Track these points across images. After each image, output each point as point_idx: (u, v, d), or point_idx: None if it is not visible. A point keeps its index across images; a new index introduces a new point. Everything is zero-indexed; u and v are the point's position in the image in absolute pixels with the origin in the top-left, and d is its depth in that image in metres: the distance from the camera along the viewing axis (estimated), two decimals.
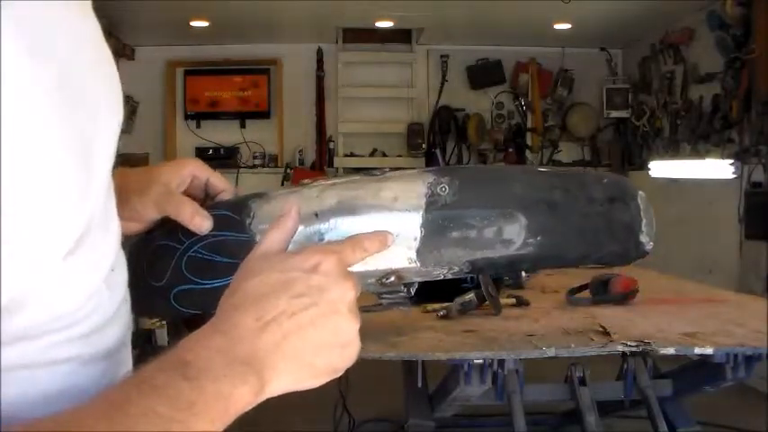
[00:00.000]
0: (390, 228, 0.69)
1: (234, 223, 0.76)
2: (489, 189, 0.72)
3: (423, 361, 2.00)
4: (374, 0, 5.22)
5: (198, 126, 6.43)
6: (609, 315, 2.10)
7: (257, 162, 6.42)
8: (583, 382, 2.11)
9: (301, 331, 0.56)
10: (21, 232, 0.44)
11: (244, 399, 0.53)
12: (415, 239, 0.69)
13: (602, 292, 2.30)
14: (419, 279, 0.72)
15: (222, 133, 6.40)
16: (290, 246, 0.65)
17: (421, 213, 0.69)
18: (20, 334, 0.49)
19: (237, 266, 0.70)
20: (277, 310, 0.56)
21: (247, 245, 0.72)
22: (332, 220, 0.71)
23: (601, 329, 1.91)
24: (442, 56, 6.45)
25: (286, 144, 6.45)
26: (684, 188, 5.34)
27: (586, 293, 2.34)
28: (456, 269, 0.71)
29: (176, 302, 0.78)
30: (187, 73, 6.40)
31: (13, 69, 0.43)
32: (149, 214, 0.77)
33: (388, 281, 0.70)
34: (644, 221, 0.74)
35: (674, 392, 2.41)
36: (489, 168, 0.78)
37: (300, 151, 6.41)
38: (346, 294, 0.59)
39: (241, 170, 6.35)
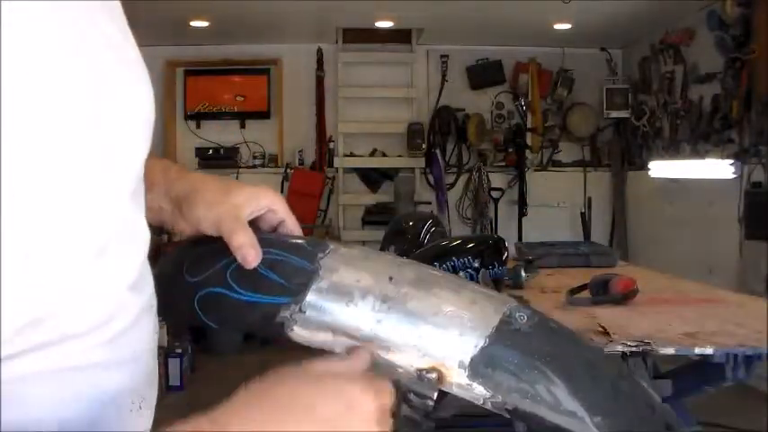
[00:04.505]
0: (457, 324, 0.65)
1: (303, 251, 0.71)
2: (564, 343, 0.69)
3: None
4: (374, 0, 5.22)
5: (198, 126, 6.43)
6: (609, 315, 2.10)
7: (257, 162, 6.42)
8: None
9: None
10: (47, 242, 0.44)
11: None
12: (475, 347, 0.64)
13: (602, 293, 2.30)
14: (458, 392, 0.66)
15: (222, 133, 6.41)
16: (351, 304, 0.63)
17: (493, 326, 0.65)
18: (47, 340, 0.49)
19: (286, 289, 0.66)
20: None
21: (307, 274, 0.68)
22: (404, 289, 0.67)
23: (601, 329, 1.90)
24: (441, 56, 6.45)
25: (286, 144, 6.45)
26: (684, 188, 5.34)
27: (586, 293, 2.34)
28: (499, 399, 0.65)
29: (199, 305, 0.73)
30: (187, 73, 6.40)
31: (38, 67, 0.42)
32: (207, 229, 0.73)
33: (429, 376, 0.64)
34: None
35: (674, 392, 2.41)
36: (564, 326, 0.75)
37: (300, 151, 6.41)
38: None
39: (241, 170, 6.35)
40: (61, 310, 0.49)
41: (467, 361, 0.64)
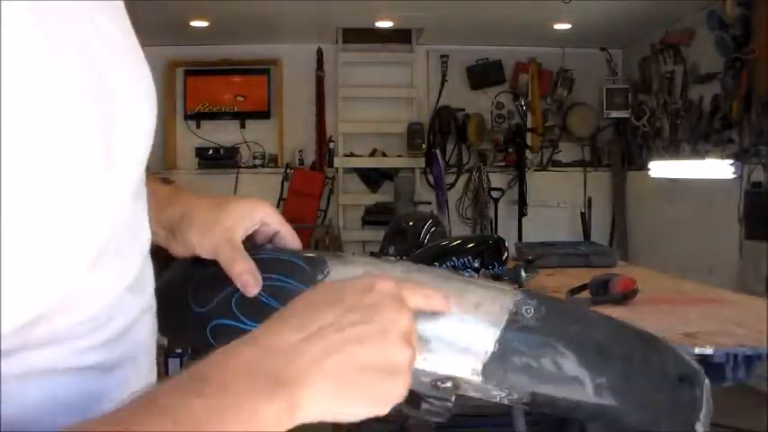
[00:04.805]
0: (465, 334, 0.65)
1: (303, 274, 0.71)
2: (573, 327, 0.69)
3: None
4: (374, 0, 5.22)
5: (198, 126, 6.43)
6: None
7: (257, 162, 6.43)
8: None
9: (347, 348, 0.51)
10: (47, 242, 0.44)
11: (270, 420, 0.47)
12: (486, 353, 0.65)
13: (602, 293, 2.30)
14: (474, 394, 0.67)
15: (222, 133, 6.41)
16: None
17: (500, 328, 0.66)
18: (45, 339, 0.48)
19: None
20: (322, 322, 0.52)
21: None
22: None
23: None
24: (441, 56, 6.45)
25: (286, 144, 6.45)
26: (684, 188, 5.34)
27: (586, 293, 2.34)
28: (515, 396, 0.66)
29: (212, 335, 0.72)
30: (187, 73, 6.40)
31: (37, 67, 0.42)
32: (203, 255, 0.73)
33: (444, 385, 0.64)
34: (703, 411, 0.71)
35: None
36: (576, 307, 0.76)
37: (300, 151, 6.41)
38: (400, 318, 0.54)
39: (241, 170, 6.35)
40: (60, 310, 0.49)
41: (479, 368, 0.65)
